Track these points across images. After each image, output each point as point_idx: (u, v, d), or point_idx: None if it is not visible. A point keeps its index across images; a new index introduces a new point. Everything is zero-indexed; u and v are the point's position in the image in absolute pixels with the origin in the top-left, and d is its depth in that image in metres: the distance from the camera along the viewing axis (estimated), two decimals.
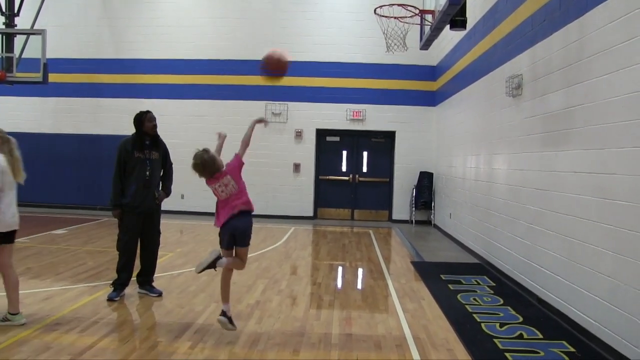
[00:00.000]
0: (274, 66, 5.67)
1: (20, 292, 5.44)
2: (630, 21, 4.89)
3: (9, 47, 12.92)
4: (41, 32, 12.55)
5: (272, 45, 15.37)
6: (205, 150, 5.30)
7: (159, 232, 6.86)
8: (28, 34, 12.97)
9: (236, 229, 5.35)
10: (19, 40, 13.05)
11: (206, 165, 5.23)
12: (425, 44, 8.46)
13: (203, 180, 5.34)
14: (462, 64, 11.53)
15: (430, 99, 15.21)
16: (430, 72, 15.15)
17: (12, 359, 4.53)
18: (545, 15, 6.93)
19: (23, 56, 12.98)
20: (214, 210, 5.52)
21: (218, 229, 5.41)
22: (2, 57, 12.84)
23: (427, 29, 8.20)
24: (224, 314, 5.28)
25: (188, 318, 5.82)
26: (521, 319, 6.08)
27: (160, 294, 6.67)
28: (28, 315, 5.63)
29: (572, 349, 5.17)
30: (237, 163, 5.52)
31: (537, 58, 7.22)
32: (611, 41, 5.22)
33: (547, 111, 6.80)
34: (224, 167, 5.35)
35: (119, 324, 5.65)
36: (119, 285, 6.52)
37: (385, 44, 8.92)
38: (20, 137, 15.98)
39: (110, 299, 6.35)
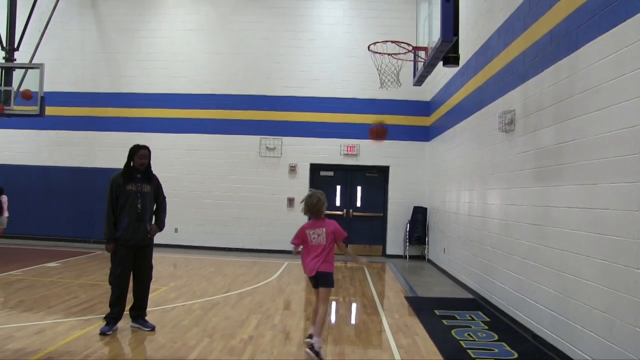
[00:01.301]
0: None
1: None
2: (620, 59, 4.98)
3: (8, 80, 13.07)
4: (39, 66, 12.69)
5: (266, 80, 15.65)
6: (322, 193, 6.03)
7: (151, 266, 6.82)
8: (27, 68, 13.12)
9: (318, 279, 5.90)
10: (17, 74, 13.19)
11: (318, 203, 5.96)
12: (419, 80, 8.57)
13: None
14: (456, 100, 11.66)
15: (424, 134, 15.34)
16: (423, 108, 15.30)
17: None
18: (537, 52, 7.06)
19: (21, 89, 13.10)
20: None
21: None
22: (0, 90, 12.96)
23: (420, 65, 8.31)
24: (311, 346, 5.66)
25: (181, 353, 5.76)
26: (516, 355, 6.04)
27: (153, 329, 6.61)
28: (19, 350, 5.57)
29: None
30: (336, 228, 6.03)
31: (529, 94, 7.32)
32: (601, 78, 5.31)
33: (540, 146, 6.88)
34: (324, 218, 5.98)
35: (110, 358, 5.59)
36: (112, 319, 6.46)
37: (379, 80, 9.04)
38: (16, 169, 16.13)
39: (102, 333, 6.28)
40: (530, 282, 7.00)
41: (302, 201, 6.04)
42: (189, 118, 15.75)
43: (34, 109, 12.72)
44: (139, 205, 6.52)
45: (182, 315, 7.47)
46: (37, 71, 12.75)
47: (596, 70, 5.43)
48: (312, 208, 5.96)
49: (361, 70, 14.54)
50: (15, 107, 12.93)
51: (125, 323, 6.69)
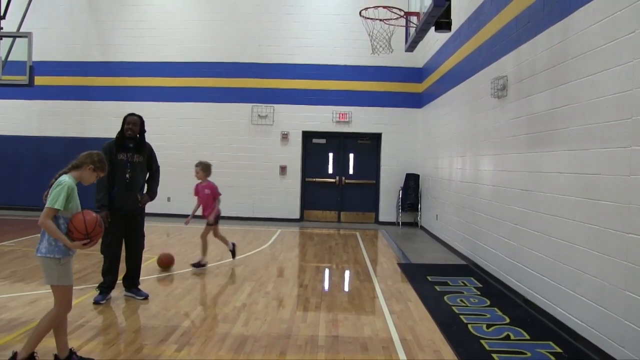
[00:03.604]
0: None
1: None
2: (613, 23, 4.93)
3: None
4: (27, 35, 12.46)
5: (258, 48, 15.41)
6: None
7: (142, 235, 6.83)
8: (14, 36, 12.87)
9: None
10: (5, 43, 12.96)
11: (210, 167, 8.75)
12: (411, 46, 8.47)
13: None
14: (448, 66, 11.58)
15: (416, 101, 15.27)
16: (416, 74, 15.20)
17: None
18: (530, 17, 6.98)
19: (9, 59, 12.89)
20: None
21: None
22: None
23: (412, 30, 8.22)
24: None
25: (174, 321, 5.79)
26: (508, 320, 6.11)
27: (146, 297, 6.64)
28: (13, 319, 5.62)
29: (559, 350, 5.19)
30: (215, 191, 8.71)
31: (522, 59, 7.27)
32: (595, 43, 5.27)
33: (532, 112, 6.85)
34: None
35: (104, 327, 5.62)
36: (105, 288, 6.49)
37: (370, 46, 8.94)
38: (6, 140, 15.98)
39: (96, 302, 6.32)
40: (522, 247, 7.04)
41: (198, 165, 8.55)
42: (181, 86, 15.59)
43: (22, 78, 12.50)
44: (127, 175, 6.48)
45: (175, 283, 7.51)
46: (25, 40, 12.52)
47: (589, 35, 5.38)
48: (209, 171, 8.63)
49: (353, 36, 14.43)
50: (3, 77, 12.72)
51: (118, 292, 6.72)
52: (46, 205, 4.21)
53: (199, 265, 8.52)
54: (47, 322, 4.26)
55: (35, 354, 4.26)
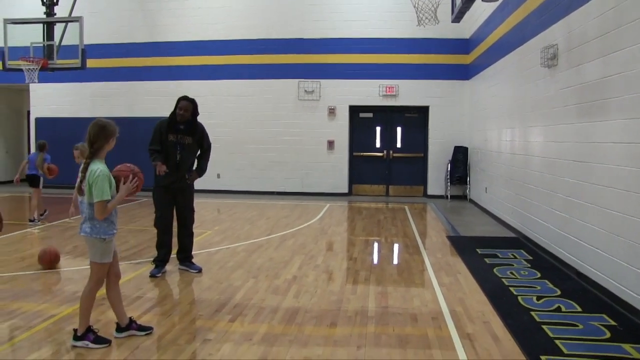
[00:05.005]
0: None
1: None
2: None
3: (50, 35, 13.30)
4: (78, 20, 12.84)
5: (302, 23, 15.33)
6: None
7: (192, 210, 6.98)
8: (66, 21, 13.29)
9: None
10: (58, 29, 13.39)
11: None
12: (457, 17, 8.36)
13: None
14: (496, 36, 11.34)
15: (464, 73, 15.02)
16: (463, 45, 14.93)
17: (65, 330, 4.77)
18: None
19: (62, 44, 13.31)
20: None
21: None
22: (43, 45, 13.22)
23: (458, 1, 8.09)
24: None
25: (227, 293, 5.95)
26: (559, 292, 6.04)
27: (199, 270, 6.83)
28: (76, 291, 5.88)
29: (612, 322, 5.10)
30: None
31: (572, 27, 7.07)
32: None
33: (584, 81, 6.68)
34: None
35: (160, 299, 5.83)
36: (160, 261, 6.71)
37: (416, 18, 8.84)
38: (61, 122, 16.44)
39: (152, 275, 6.55)
40: (574, 219, 6.92)
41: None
42: (227, 64, 15.73)
43: (75, 62, 12.93)
44: (177, 156, 6.62)
45: (227, 257, 7.69)
46: (76, 25, 12.91)
47: None
48: None
49: (398, 9, 14.28)
50: (58, 61, 13.18)
51: (173, 266, 6.94)
52: (95, 201, 4.35)
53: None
54: (85, 298, 4.49)
55: (91, 327, 4.47)
